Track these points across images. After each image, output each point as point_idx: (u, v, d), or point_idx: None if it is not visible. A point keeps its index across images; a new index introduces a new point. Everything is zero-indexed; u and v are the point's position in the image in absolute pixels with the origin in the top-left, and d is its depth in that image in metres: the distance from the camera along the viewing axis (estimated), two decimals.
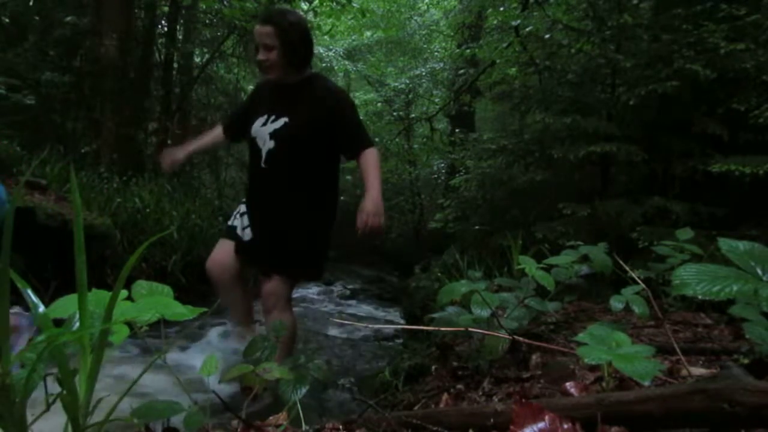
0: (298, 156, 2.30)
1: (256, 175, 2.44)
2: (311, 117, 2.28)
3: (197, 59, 8.21)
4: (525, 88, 4.73)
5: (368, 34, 12.32)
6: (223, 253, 2.46)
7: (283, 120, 2.29)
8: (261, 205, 2.42)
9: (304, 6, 7.59)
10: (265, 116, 2.33)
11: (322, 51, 10.45)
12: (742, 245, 1.04)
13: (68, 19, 5.63)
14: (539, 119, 4.12)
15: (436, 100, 10.22)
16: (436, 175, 10.23)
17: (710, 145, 3.54)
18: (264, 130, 2.31)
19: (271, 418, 1.27)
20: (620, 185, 4.32)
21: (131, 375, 2.07)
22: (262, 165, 2.33)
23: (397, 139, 9.73)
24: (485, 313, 1.72)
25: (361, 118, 2.53)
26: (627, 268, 1.76)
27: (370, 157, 2.31)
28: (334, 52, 10.80)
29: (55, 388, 0.77)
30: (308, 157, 2.31)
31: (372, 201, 2.24)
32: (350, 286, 7.40)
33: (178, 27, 7.43)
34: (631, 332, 1.95)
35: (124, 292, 0.90)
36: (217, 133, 2.69)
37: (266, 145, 2.30)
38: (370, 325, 3.09)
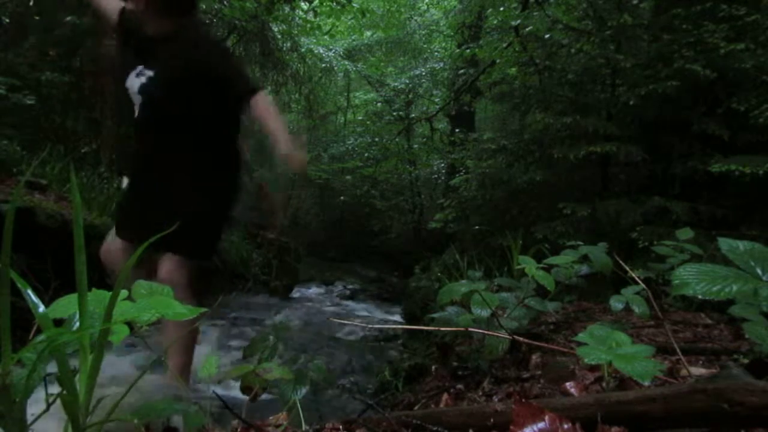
0: (170, 115, 2.00)
1: (135, 132, 2.13)
2: (180, 71, 1.97)
3: None
4: (525, 88, 4.73)
5: (368, 34, 12.33)
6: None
7: (149, 74, 1.99)
8: (141, 166, 2.12)
9: (304, 6, 7.59)
10: (137, 67, 2.02)
11: (322, 51, 10.45)
12: (742, 245, 1.04)
13: (68, 19, 5.62)
14: (539, 119, 4.12)
15: (436, 100, 10.22)
16: (436, 175, 10.24)
17: (710, 145, 3.55)
18: (136, 82, 2.00)
19: (271, 418, 1.27)
20: (620, 185, 4.33)
21: (131, 375, 2.07)
22: (138, 120, 2.05)
23: (397, 139, 9.73)
24: (485, 313, 1.72)
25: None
26: (627, 268, 1.76)
27: (265, 102, 1.95)
28: (334, 52, 10.80)
29: (55, 388, 0.77)
30: (185, 118, 2.00)
31: (286, 141, 1.87)
32: (350, 286, 7.40)
33: None
34: (631, 332, 1.95)
35: (124, 292, 0.90)
36: (114, 5, 2.19)
37: (137, 99, 2.02)
38: (370, 325, 3.09)
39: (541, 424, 0.88)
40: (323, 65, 10.68)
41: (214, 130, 2.05)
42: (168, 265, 1.92)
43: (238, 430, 1.20)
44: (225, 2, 6.74)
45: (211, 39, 2.10)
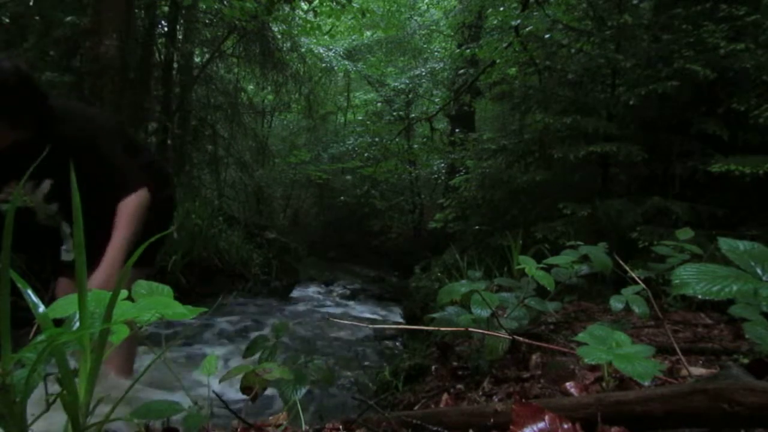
0: (85, 202, 1.91)
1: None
2: (75, 167, 1.89)
3: (197, 59, 8.21)
4: (525, 88, 4.73)
5: (368, 34, 12.32)
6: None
7: (47, 182, 1.99)
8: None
9: (304, 6, 7.59)
10: (28, 184, 1.98)
11: (322, 51, 10.45)
12: (742, 245, 1.04)
13: (68, 19, 5.63)
14: (539, 119, 4.11)
15: (436, 100, 10.21)
16: (436, 175, 10.23)
17: (710, 145, 3.55)
18: (37, 196, 2.02)
19: (271, 418, 1.27)
20: (620, 185, 4.32)
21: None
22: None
23: (397, 139, 9.72)
24: (485, 313, 1.72)
25: (120, 151, 1.99)
26: (627, 268, 1.76)
27: (125, 206, 1.86)
28: (334, 52, 10.80)
29: (55, 388, 0.77)
30: (98, 196, 1.80)
31: (104, 272, 1.76)
32: (350, 286, 7.40)
33: (178, 27, 7.43)
34: (631, 332, 1.95)
35: (124, 292, 0.90)
36: None
37: (50, 209, 2.08)
38: (370, 325, 3.09)
39: (541, 424, 0.88)
40: (323, 65, 10.69)
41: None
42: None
43: (238, 430, 1.20)
44: (225, 2, 6.74)
45: (83, 127, 1.92)
